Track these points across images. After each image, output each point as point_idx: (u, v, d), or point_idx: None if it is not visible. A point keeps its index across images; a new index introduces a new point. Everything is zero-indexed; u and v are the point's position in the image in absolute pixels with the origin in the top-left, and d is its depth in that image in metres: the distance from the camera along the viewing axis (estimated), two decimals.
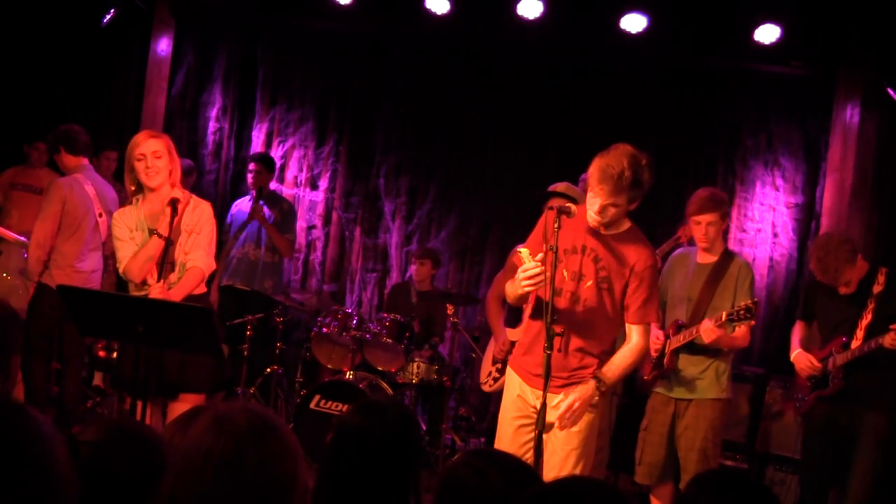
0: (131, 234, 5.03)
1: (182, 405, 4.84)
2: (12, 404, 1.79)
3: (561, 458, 4.34)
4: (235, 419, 2.05)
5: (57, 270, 6.48)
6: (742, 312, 5.02)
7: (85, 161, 6.73)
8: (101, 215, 6.64)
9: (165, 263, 4.99)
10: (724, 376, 5.43)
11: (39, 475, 1.69)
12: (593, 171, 4.18)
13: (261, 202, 7.85)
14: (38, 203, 7.76)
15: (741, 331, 5.27)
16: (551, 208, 4.13)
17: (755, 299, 5.16)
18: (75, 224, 6.53)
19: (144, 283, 5.00)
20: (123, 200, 7.34)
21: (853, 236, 6.18)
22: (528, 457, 4.30)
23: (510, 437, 4.47)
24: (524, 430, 4.41)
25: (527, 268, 4.10)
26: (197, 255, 5.05)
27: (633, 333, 4.38)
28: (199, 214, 5.12)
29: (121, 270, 5.10)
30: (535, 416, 4.25)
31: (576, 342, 4.37)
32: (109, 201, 6.78)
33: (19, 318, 6.89)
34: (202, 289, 5.23)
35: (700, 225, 5.44)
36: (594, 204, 4.21)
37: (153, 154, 4.99)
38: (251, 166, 8.11)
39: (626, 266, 4.33)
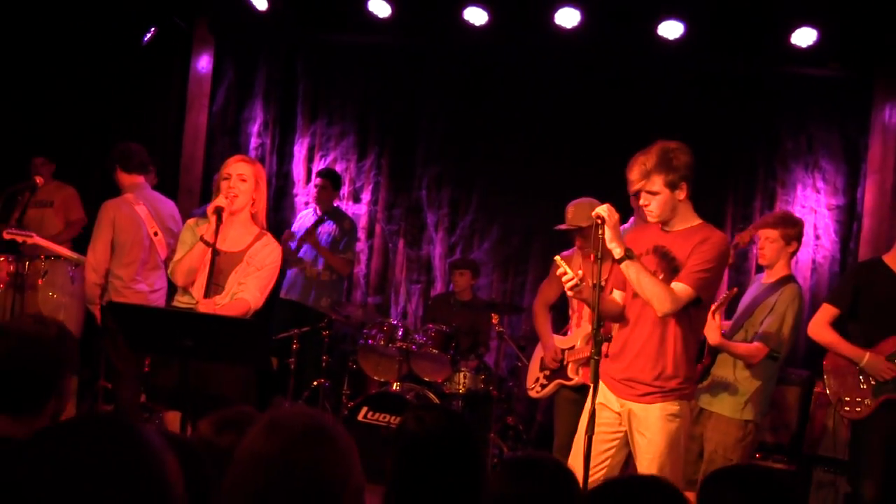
0: (192, 243, 5.00)
1: None
2: (124, 422, 1.85)
3: (645, 465, 4.30)
4: (289, 424, 2.14)
5: (115, 293, 6.43)
6: None
7: (140, 179, 6.68)
8: (156, 234, 6.57)
9: (213, 281, 4.89)
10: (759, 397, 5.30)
11: (155, 489, 1.76)
12: (628, 169, 4.31)
13: (317, 225, 7.99)
14: (49, 216, 7.88)
15: None
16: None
17: None
18: (127, 246, 6.48)
19: (185, 290, 4.97)
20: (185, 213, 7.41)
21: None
22: (608, 463, 4.36)
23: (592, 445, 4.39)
24: (604, 438, 4.36)
25: (566, 279, 4.16)
26: (249, 290, 4.94)
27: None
28: (268, 253, 5.04)
29: (169, 271, 5.09)
30: (618, 422, 4.37)
31: (652, 343, 4.34)
32: (166, 217, 6.73)
33: (73, 338, 6.94)
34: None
35: (760, 239, 5.45)
36: (639, 198, 4.30)
37: (238, 176, 4.95)
38: (317, 181, 8.21)
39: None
